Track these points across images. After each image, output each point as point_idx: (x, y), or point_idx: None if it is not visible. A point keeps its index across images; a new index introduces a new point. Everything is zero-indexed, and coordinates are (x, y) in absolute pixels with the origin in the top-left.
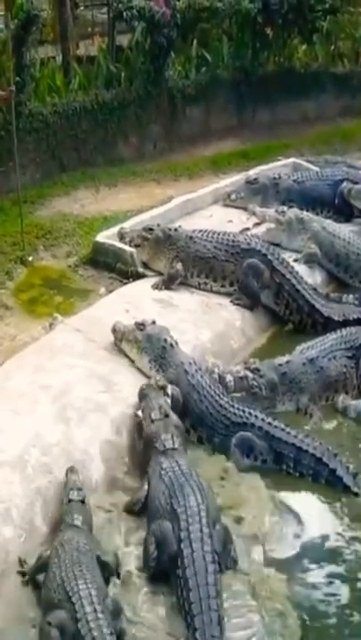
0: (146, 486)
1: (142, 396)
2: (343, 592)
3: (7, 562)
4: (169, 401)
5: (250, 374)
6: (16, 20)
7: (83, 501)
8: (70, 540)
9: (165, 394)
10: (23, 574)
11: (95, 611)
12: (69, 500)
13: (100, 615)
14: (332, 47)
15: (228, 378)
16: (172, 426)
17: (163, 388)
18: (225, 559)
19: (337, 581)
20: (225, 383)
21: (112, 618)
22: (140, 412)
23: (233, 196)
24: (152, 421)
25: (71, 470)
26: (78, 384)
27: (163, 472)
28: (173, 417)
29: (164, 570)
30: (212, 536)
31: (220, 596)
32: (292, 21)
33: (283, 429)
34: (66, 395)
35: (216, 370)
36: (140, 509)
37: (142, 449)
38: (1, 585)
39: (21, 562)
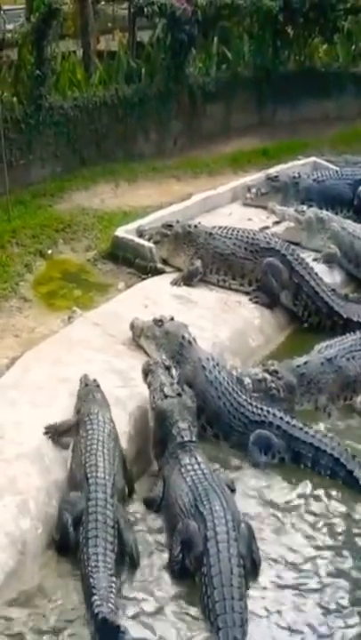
0: (161, 483)
1: (149, 371)
2: None
3: (25, 553)
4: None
5: (268, 377)
6: (37, 14)
7: (98, 386)
8: (96, 414)
9: (171, 375)
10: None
11: (106, 500)
12: (86, 385)
13: (109, 501)
14: (353, 47)
15: (247, 380)
16: (187, 409)
17: (168, 369)
18: (248, 560)
19: None
20: (243, 385)
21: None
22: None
23: (253, 190)
24: (165, 396)
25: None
26: (96, 378)
27: (183, 470)
28: (186, 397)
29: (188, 570)
30: (238, 540)
31: (244, 599)
32: (313, 20)
33: (301, 428)
34: None
35: (234, 372)
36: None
37: (154, 426)
38: (21, 575)
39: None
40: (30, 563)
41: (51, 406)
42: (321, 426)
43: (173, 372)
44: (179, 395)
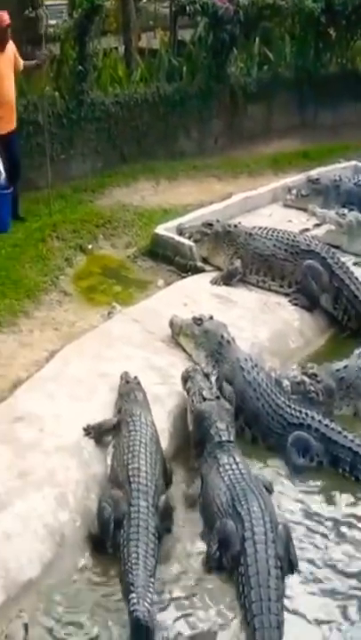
0: (199, 482)
1: (188, 377)
2: None
3: (63, 545)
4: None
5: (307, 379)
6: (80, 10)
7: (139, 383)
8: (138, 416)
9: (209, 381)
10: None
11: (148, 507)
12: (127, 382)
13: (151, 509)
14: None
15: (285, 383)
16: (225, 410)
17: (206, 376)
18: (285, 562)
19: None
20: (282, 387)
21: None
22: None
23: (294, 192)
24: (203, 399)
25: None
26: (135, 374)
27: (221, 470)
28: (224, 401)
29: (224, 569)
30: (276, 541)
31: (281, 600)
32: (355, 23)
33: (340, 432)
34: None
35: (273, 374)
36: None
37: (193, 428)
38: (59, 567)
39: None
40: (68, 555)
41: (90, 400)
42: (359, 431)
43: (212, 378)
44: (217, 398)
